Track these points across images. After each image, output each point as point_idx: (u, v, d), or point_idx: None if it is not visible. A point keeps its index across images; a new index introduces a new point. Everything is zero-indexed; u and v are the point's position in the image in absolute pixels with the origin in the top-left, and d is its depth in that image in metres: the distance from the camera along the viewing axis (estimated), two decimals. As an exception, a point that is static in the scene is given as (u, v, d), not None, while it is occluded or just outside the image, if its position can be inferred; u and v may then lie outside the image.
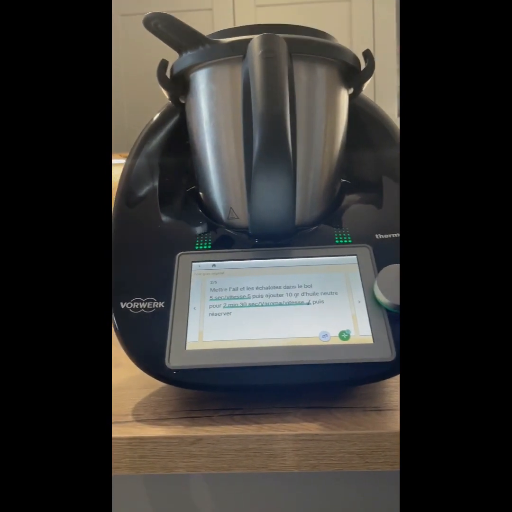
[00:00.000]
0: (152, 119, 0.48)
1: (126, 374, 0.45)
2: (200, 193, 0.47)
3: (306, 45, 0.39)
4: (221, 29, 0.38)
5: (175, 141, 0.48)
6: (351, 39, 1.83)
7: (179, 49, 0.40)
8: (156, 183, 0.46)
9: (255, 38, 0.36)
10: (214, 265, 0.41)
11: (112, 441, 0.32)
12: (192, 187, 0.48)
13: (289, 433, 0.31)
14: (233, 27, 0.41)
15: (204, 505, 0.42)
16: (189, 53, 0.40)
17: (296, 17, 1.94)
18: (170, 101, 0.47)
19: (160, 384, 0.40)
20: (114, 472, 0.33)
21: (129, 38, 2.23)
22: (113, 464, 0.33)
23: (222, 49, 0.38)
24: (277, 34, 0.36)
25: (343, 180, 0.48)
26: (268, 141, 0.33)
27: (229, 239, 0.43)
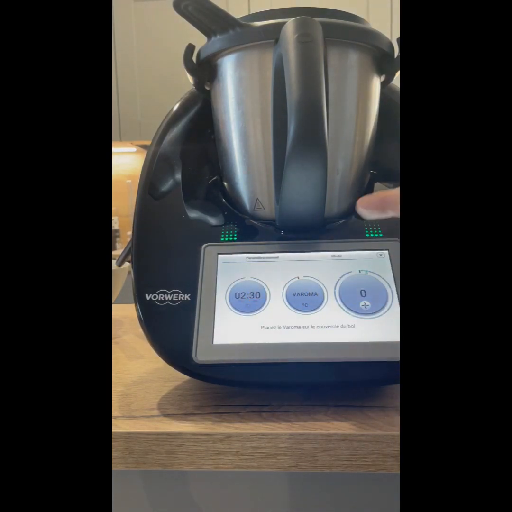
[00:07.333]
0: (173, 107, 0.47)
1: (148, 366, 0.44)
2: (224, 183, 0.46)
3: (341, 30, 0.37)
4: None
5: (197, 130, 0.47)
6: (368, 19, 1.80)
7: (209, 33, 0.39)
8: (179, 173, 0.45)
9: (290, 22, 0.34)
10: (240, 257, 0.40)
11: (140, 436, 0.32)
12: (215, 178, 0.47)
13: (321, 432, 0.31)
14: (263, 10, 0.39)
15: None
16: (218, 37, 0.38)
17: (313, 0, 1.90)
18: (190, 89, 0.46)
19: (183, 377, 0.39)
20: (140, 468, 0.32)
21: (143, 25, 2.21)
22: (139, 460, 0.32)
23: (254, 33, 0.37)
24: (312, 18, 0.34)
25: (372, 171, 0.46)
26: (304, 129, 0.32)
27: (255, 231, 0.42)
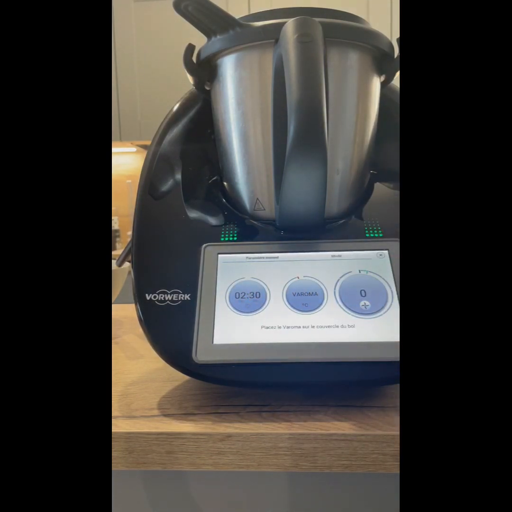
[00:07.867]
0: (173, 107, 0.47)
1: (148, 366, 0.44)
2: (224, 183, 0.46)
3: (341, 30, 0.37)
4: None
5: (197, 130, 0.47)
6: (368, 19, 1.80)
7: (209, 33, 0.39)
8: (179, 173, 0.45)
9: (290, 22, 0.34)
10: (240, 257, 0.40)
11: (140, 435, 0.32)
12: (215, 178, 0.47)
13: (321, 432, 0.31)
14: (263, 10, 0.39)
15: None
16: (218, 37, 0.38)
17: (313, 0, 1.91)
18: (190, 89, 0.46)
19: (183, 377, 0.39)
20: (140, 468, 0.32)
21: (143, 25, 2.21)
22: (139, 460, 0.32)
23: (254, 33, 0.37)
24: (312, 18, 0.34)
25: (372, 171, 0.46)
26: (304, 130, 0.32)
27: (255, 231, 0.42)
